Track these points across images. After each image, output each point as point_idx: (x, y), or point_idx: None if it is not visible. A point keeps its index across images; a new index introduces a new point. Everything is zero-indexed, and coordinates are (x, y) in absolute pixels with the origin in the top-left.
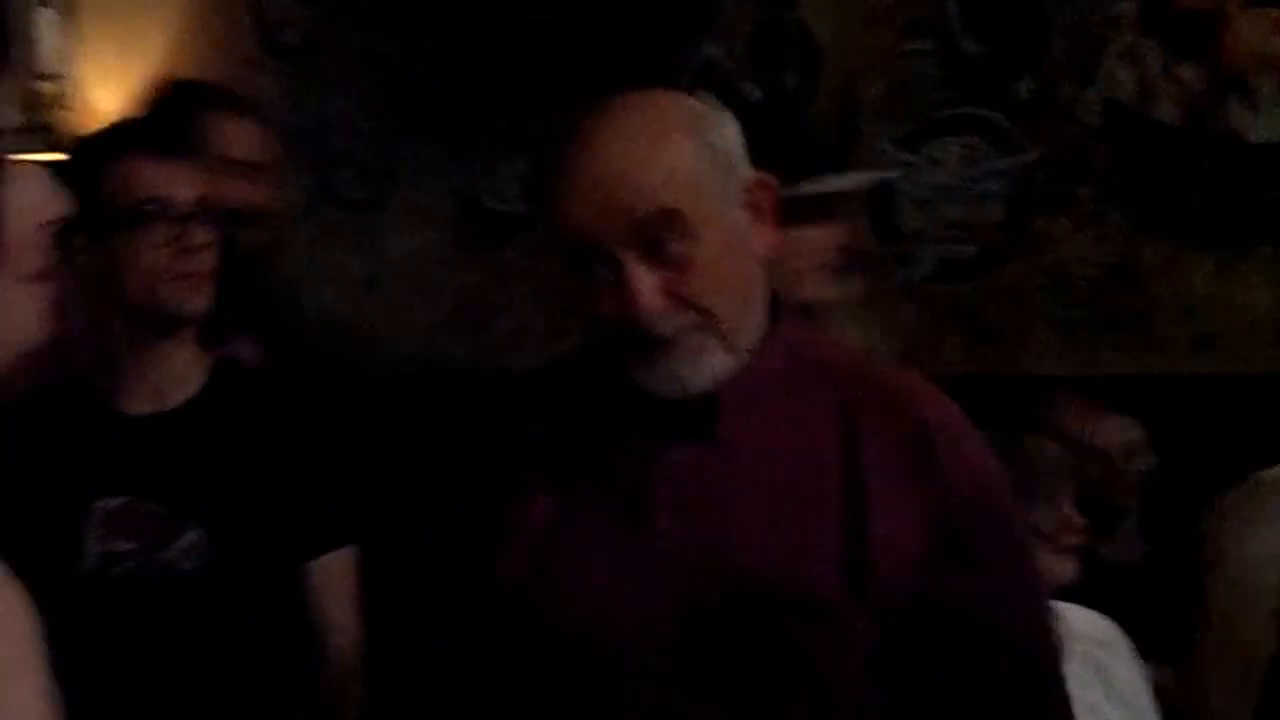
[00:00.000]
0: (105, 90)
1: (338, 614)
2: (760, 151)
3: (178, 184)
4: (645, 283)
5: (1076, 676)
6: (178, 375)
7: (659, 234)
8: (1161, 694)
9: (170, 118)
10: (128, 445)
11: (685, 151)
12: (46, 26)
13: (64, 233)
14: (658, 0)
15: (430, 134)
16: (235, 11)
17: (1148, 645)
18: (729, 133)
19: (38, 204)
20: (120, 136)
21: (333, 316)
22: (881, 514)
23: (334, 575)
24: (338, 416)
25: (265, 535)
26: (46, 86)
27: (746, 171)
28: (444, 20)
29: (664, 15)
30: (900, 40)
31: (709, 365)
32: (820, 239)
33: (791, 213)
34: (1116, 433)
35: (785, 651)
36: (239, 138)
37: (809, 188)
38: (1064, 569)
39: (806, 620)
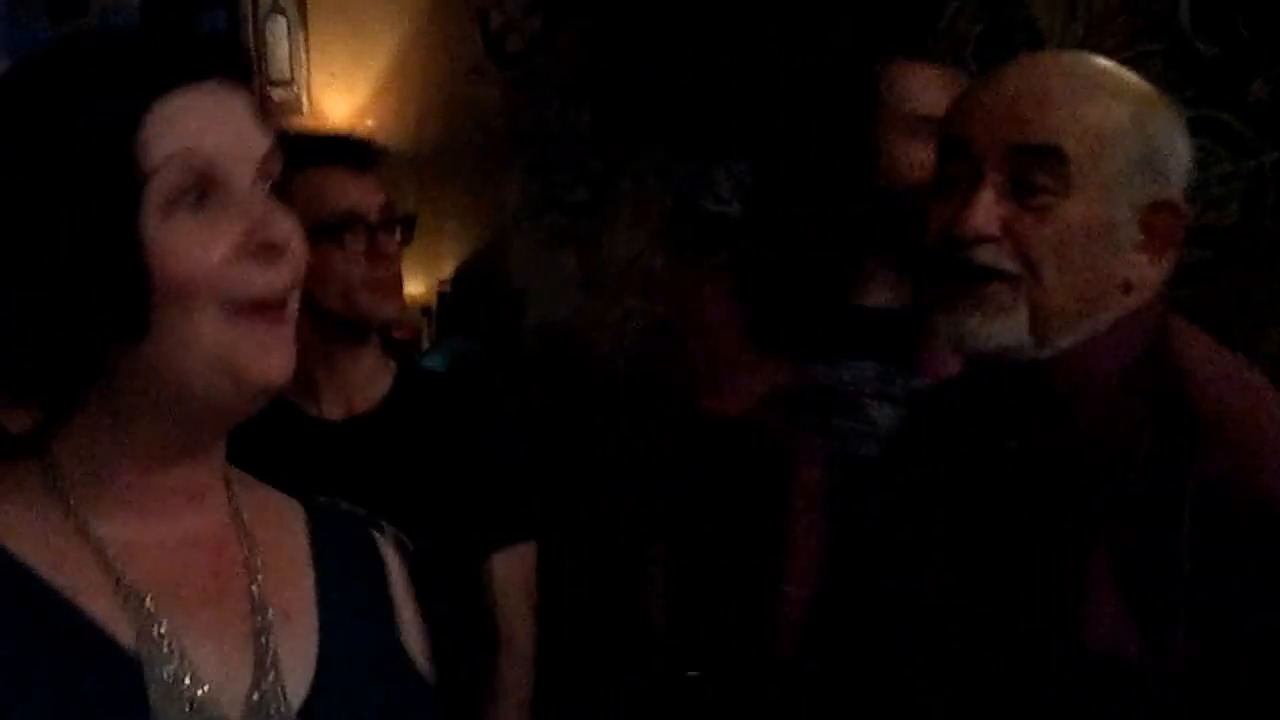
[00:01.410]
0: (335, 96)
1: (514, 607)
2: None
3: (368, 194)
4: (989, 204)
5: None
6: (367, 380)
7: (1034, 172)
8: None
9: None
10: (323, 449)
11: (1109, 112)
12: (278, 34)
13: None
14: (878, 3)
15: (650, 136)
16: (460, 19)
17: None
18: (1172, 140)
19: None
20: (307, 149)
21: (552, 319)
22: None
23: (513, 570)
24: (521, 415)
25: (451, 530)
26: (279, 93)
27: (1167, 189)
28: (664, 24)
29: (885, 18)
30: (1130, 42)
31: (1003, 330)
32: None
33: None
34: None
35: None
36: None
37: None
38: None
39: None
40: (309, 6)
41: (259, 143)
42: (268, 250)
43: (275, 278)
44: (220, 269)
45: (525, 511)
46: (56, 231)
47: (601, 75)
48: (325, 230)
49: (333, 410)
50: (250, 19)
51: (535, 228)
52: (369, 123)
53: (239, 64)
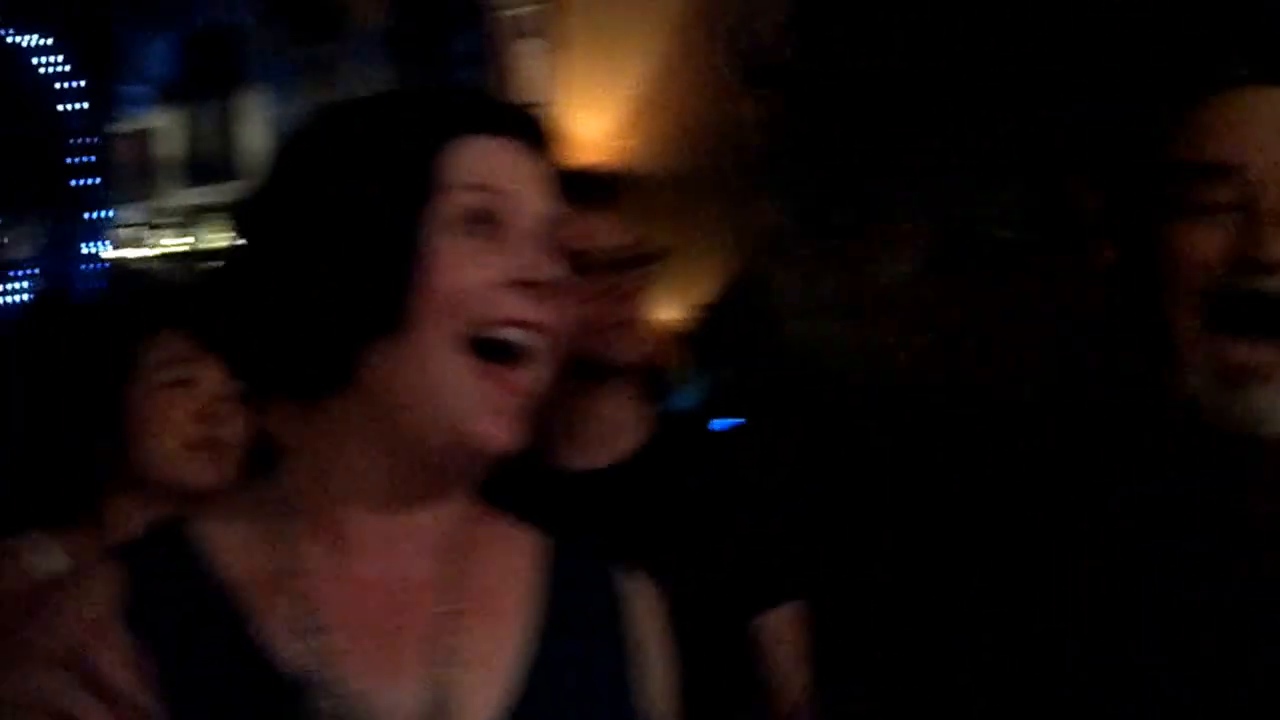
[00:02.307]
0: (586, 118)
1: (785, 663)
2: None
3: (606, 233)
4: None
5: None
6: (617, 427)
7: None
8: None
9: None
10: (572, 500)
11: None
12: (531, 55)
13: None
14: (1177, 19)
15: (915, 159)
16: (716, 39)
17: None
18: None
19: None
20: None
21: (815, 343)
22: None
23: (784, 629)
24: (788, 466)
25: (715, 588)
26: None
27: None
28: (928, 42)
29: (1184, 35)
30: None
31: None
32: None
33: None
34: None
35: None
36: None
37: None
38: None
39: None
40: (561, 29)
41: (546, 203)
42: (535, 286)
43: (535, 312)
44: (485, 289)
45: (796, 568)
46: (348, 221)
47: (862, 94)
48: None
49: (581, 458)
50: (501, 40)
51: (794, 251)
52: (621, 144)
53: (541, 133)
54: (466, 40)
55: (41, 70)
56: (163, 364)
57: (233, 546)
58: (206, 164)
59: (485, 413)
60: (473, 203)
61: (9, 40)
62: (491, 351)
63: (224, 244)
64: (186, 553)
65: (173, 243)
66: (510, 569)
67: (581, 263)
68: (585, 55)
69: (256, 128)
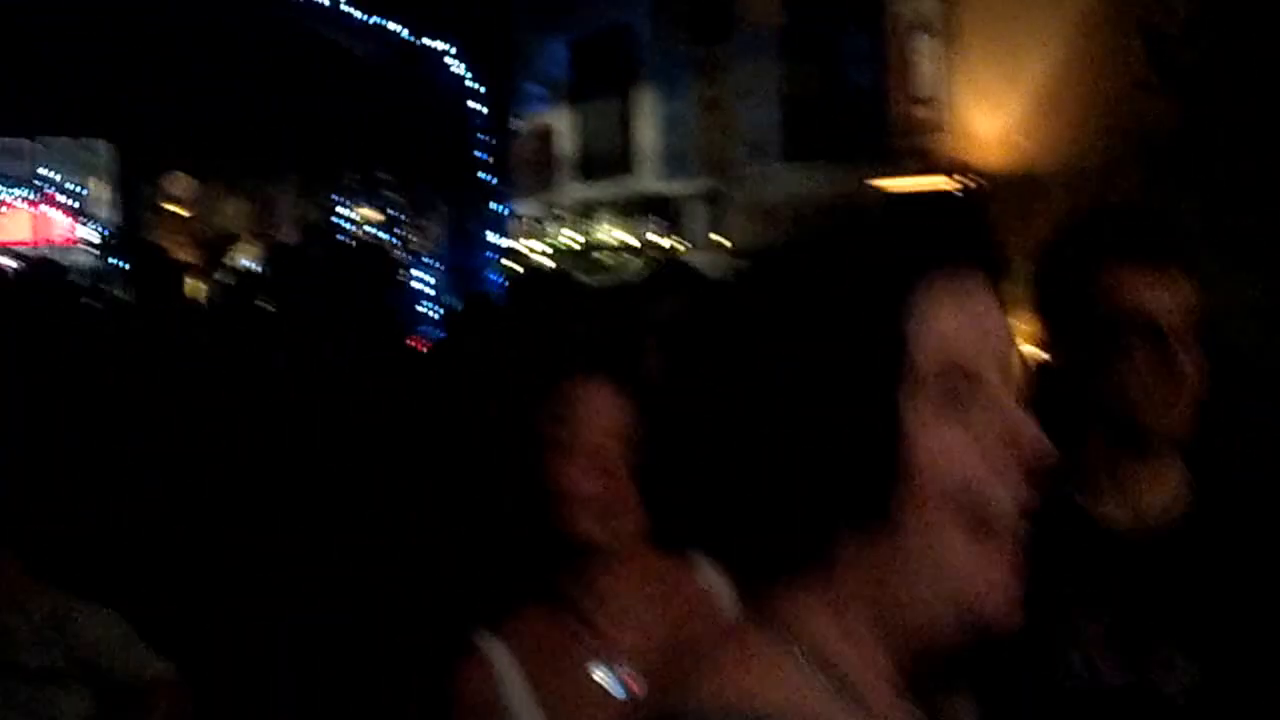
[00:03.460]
0: (982, 115)
1: None
2: None
3: (1165, 299)
4: None
5: None
6: (1158, 488)
7: None
8: None
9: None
10: (1110, 560)
11: None
12: (926, 51)
13: None
14: None
15: None
16: (1124, 33)
17: None
18: None
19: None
20: (1102, 237)
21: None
22: None
23: None
24: None
25: (1261, 667)
26: (922, 111)
27: None
28: None
29: None
30: None
31: None
32: None
33: None
34: None
35: None
36: None
37: None
38: None
39: None
40: (958, 25)
41: (1007, 339)
42: (1024, 465)
43: (1029, 498)
44: (978, 477)
45: None
46: (817, 402)
47: (1273, 92)
48: (1107, 331)
49: (1120, 518)
50: (897, 38)
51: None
52: (1020, 143)
53: (992, 254)
54: (861, 39)
55: (450, 72)
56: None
57: (779, 706)
58: (601, 160)
59: (988, 590)
60: (944, 374)
61: (422, 45)
62: (985, 525)
63: (614, 239)
64: None
65: (568, 236)
66: None
67: (1138, 327)
68: (982, 52)
69: (649, 125)
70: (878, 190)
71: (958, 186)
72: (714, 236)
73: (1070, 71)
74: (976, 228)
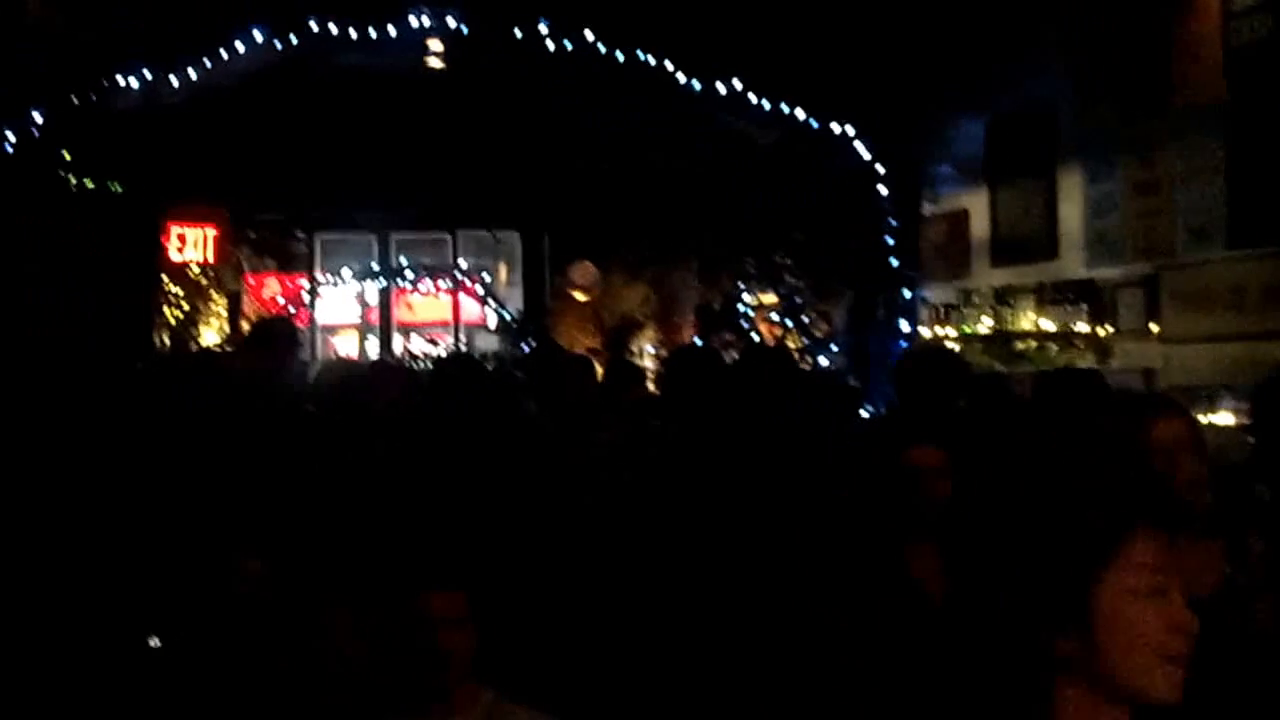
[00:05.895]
0: None
1: None
2: None
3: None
4: None
5: None
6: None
7: None
8: None
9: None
10: None
11: None
12: None
13: None
14: None
15: None
16: None
17: None
18: None
19: None
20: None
21: None
22: None
23: None
24: None
25: None
26: None
27: None
28: None
29: None
30: None
31: None
32: None
33: None
34: None
35: None
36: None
37: None
38: None
39: None
40: None
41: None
42: (1176, 657)
43: (1172, 688)
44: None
45: None
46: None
47: None
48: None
49: None
50: None
51: None
52: None
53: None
54: None
55: (855, 156)
56: (1143, 568)
57: None
58: (1020, 244)
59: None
60: (1140, 577)
61: (825, 129)
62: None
63: (1030, 325)
64: None
65: (981, 323)
66: None
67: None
68: None
69: (1073, 207)
70: None
71: None
72: (1151, 325)
73: None
74: (1175, 512)
